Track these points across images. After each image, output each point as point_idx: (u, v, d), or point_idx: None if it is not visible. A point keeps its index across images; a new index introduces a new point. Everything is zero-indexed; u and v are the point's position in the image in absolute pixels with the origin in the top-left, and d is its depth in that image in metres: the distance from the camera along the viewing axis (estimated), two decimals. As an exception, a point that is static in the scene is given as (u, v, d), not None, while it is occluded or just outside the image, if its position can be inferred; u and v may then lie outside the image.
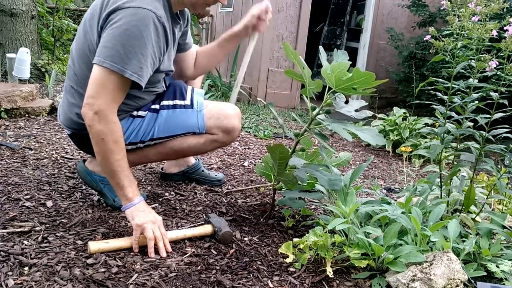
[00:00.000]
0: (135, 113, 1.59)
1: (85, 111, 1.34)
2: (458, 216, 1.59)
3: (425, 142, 3.28)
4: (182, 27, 1.66)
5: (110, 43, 1.31)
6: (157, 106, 1.59)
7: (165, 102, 1.60)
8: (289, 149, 1.63)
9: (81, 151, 2.26)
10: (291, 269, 1.34)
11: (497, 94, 1.50)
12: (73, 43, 1.54)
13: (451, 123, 1.65)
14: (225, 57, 1.85)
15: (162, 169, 2.03)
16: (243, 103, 4.77)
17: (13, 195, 1.64)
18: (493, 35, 1.45)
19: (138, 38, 1.30)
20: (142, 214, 1.37)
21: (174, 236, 1.43)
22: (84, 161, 1.66)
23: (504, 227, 1.51)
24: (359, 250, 1.30)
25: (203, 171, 2.01)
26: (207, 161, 2.43)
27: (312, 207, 1.90)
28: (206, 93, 3.96)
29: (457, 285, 1.19)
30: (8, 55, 3.52)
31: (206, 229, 1.48)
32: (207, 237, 1.48)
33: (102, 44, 1.33)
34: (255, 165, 2.45)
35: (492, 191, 1.78)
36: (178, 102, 1.61)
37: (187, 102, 1.61)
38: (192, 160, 1.99)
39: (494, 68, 1.46)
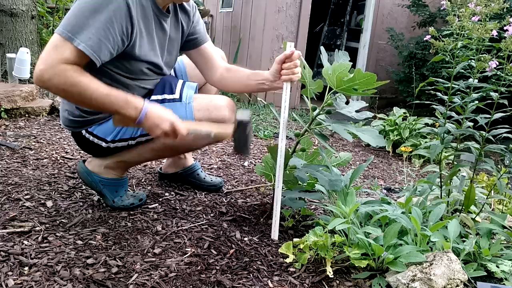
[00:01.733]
0: None
1: (35, 73, 1.26)
2: (458, 216, 1.59)
3: (425, 142, 3.28)
4: (182, 21, 1.64)
5: (68, 15, 1.31)
6: None
7: (153, 97, 1.58)
8: (289, 149, 1.63)
9: (81, 151, 2.26)
10: (291, 269, 1.34)
11: (497, 94, 1.50)
12: None
13: (451, 123, 1.65)
14: (251, 92, 1.76)
15: (160, 169, 2.03)
16: (243, 103, 4.77)
17: (13, 195, 1.64)
18: (493, 35, 1.45)
19: (94, 10, 1.29)
20: (159, 122, 1.35)
21: (194, 127, 1.41)
22: (84, 161, 1.66)
23: (504, 227, 1.51)
24: (359, 250, 1.30)
25: (198, 174, 1.95)
26: (207, 161, 2.43)
27: (312, 207, 1.90)
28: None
29: (457, 285, 1.19)
30: (8, 55, 3.52)
31: (226, 130, 1.42)
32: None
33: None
34: (255, 165, 2.45)
35: (492, 191, 1.78)
36: (166, 96, 1.58)
37: (176, 95, 1.58)
38: (189, 161, 1.96)
39: (494, 68, 1.46)
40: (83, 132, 1.57)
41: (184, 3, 1.64)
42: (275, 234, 1.52)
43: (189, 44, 1.72)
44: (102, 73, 1.46)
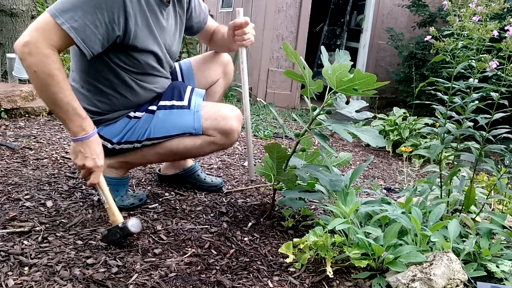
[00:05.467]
0: (132, 114, 1.59)
1: (16, 44, 1.27)
2: (458, 216, 1.59)
3: (425, 142, 3.28)
4: (179, 11, 1.66)
5: None
6: (154, 107, 1.59)
7: (162, 103, 1.60)
8: (289, 149, 1.63)
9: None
10: (291, 269, 1.34)
11: (497, 94, 1.50)
12: None
13: (451, 123, 1.65)
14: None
15: (159, 170, 2.02)
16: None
17: (13, 195, 1.64)
18: (493, 35, 1.45)
19: None
20: (80, 156, 1.37)
21: (103, 187, 1.42)
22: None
23: (504, 227, 1.51)
24: (359, 250, 1.30)
25: (198, 175, 1.95)
26: (207, 161, 2.43)
27: (312, 207, 1.90)
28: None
29: (457, 285, 1.19)
30: (8, 55, 3.52)
31: (117, 218, 1.40)
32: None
33: None
34: (255, 165, 2.45)
35: (492, 191, 1.78)
36: (175, 102, 1.60)
37: (185, 102, 1.60)
38: (188, 162, 1.96)
39: (495, 68, 1.46)
40: None
41: None
42: (251, 173, 1.79)
43: (192, 31, 1.83)
44: (112, 72, 1.47)
